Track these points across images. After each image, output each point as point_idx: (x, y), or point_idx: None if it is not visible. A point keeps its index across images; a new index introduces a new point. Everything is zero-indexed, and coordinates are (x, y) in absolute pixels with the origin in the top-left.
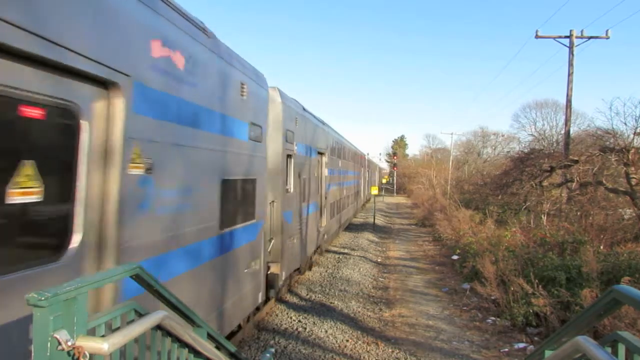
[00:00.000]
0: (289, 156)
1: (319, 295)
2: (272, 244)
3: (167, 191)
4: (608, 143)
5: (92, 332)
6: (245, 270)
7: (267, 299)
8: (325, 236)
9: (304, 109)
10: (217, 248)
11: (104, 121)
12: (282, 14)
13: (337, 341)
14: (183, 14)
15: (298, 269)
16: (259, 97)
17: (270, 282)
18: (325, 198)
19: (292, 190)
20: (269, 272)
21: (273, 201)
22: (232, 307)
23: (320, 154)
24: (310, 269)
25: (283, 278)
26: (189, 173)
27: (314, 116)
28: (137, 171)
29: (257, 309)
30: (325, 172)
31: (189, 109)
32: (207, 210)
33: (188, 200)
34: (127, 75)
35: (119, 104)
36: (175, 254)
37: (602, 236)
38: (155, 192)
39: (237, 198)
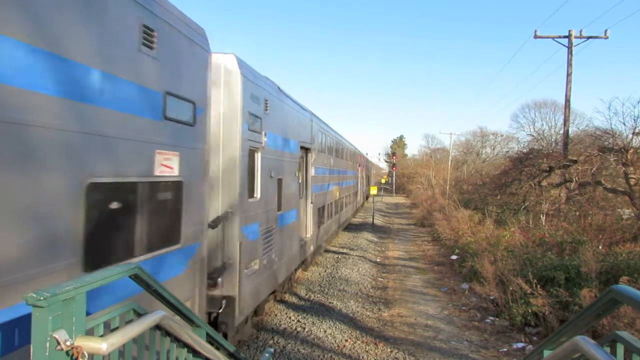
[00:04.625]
0: (253, 150)
1: (318, 295)
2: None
3: None
4: (607, 143)
5: (90, 332)
6: None
7: None
8: (312, 248)
9: (279, 89)
10: None
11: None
12: (283, 16)
13: (336, 341)
14: None
15: (273, 292)
16: (190, 58)
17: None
18: (312, 202)
19: (259, 195)
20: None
21: (227, 211)
22: None
23: (305, 149)
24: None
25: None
26: None
27: (295, 101)
28: None
29: None
30: (313, 171)
31: None
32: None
33: None
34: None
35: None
36: None
37: (600, 236)
38: None
39: (130, 212)
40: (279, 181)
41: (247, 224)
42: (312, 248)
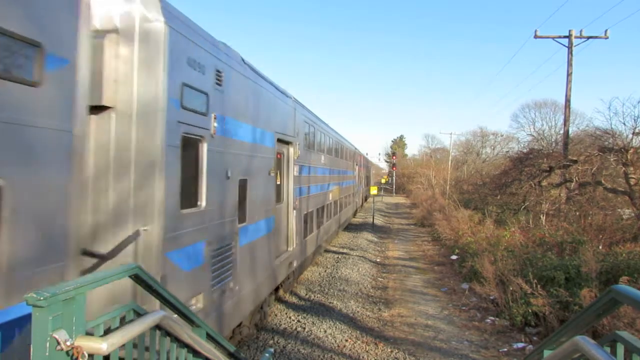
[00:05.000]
0: (192, 138)
1: (318, 295)
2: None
3: None
4: (607, 143)
5: (91, 332)
6: None
7: None
8: (295, 263)
9: (243, 61)
10: None
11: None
12: (283, 16)
13: (336, 341)
14: None
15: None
16: None
17: None
18: (295, 208)
19: (204, 203)
20: None
21: (139, 230)
22: None
23: (285, 142)
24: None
25: None
26: None
27: (271, 82)
28: None
29: None
30: (296, 170)
31: None
32: None
33: None
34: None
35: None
36: None
37: (601, 236)
38: None
39: None
40: (242, 183)
41: (179, 246)
42: (295, 264)
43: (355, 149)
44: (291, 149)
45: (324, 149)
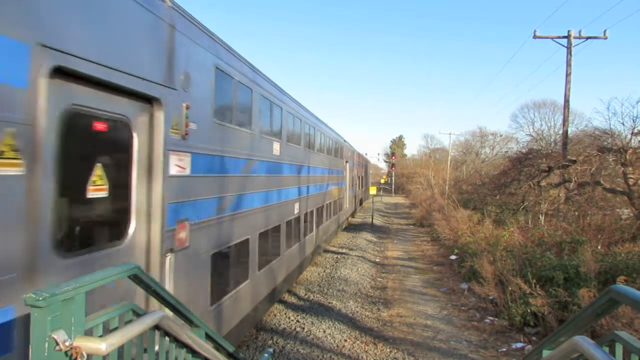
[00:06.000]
0: None
1: (317, 295)
2: None
3: None
4: (606, 143)
5: (89, 333)
6: None
7: None
8: None
9: None
10: None
11: None
12: (283, 16)
13: (335, 341)
14: None
15: None
16: None
17: None
18: (179, 249)
19: None
20: None
21: None
22: None
23: (139, 97)
24: None
25: None
26: None
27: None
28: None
29: None
30: (183, 166)
31: None
32: None
33: None
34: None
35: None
36: None
37: (599, 236)
38: None
39: None
40: None
41: None
42: None
43: (345, 141)
44: (160, 116)
45: (281, 133)
